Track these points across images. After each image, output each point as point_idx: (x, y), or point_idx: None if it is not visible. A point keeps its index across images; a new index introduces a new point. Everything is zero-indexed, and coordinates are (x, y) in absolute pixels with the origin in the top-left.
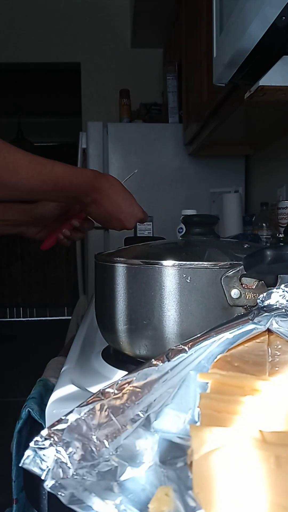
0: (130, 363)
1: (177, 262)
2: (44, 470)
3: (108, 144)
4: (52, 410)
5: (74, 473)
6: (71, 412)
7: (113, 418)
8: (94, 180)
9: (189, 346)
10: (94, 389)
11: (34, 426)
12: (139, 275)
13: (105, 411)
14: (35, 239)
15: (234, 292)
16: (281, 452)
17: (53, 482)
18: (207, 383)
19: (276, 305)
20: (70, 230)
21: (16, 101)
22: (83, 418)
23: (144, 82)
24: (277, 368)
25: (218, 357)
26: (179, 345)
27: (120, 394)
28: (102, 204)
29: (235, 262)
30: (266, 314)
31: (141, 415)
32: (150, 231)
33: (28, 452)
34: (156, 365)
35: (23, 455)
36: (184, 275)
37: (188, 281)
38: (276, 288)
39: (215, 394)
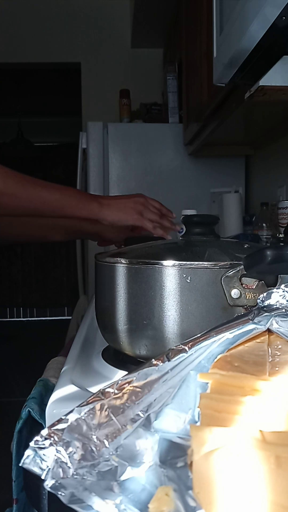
0: (130, 363)
1: (177, 262)
2: (44, 469)
3: (108, 144)
4: (52, 410)
5: (74, 472)
6: (71, 412)
7: (113, 418)
8: (82, 193)
9: (189, 346)
10: (94, 389)
11: (34, 426)
12: (139, 275)
13: (105, 411)
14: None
15: (234, 292)
16: (281, 452)
17: (53, 481)
18: (207, 383)
19: (276, 305)
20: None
21: (16, 101)
22: (83, 418)
23: (144, 82)
24: (277, 368)
25: (218, 357)
26: (179, 345)
27: (120, 394)
28: (109, 204)
29: (235, 262)
30: (266, 314)
31: (141, 415)
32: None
33: (28, 452)
34: (156, 365)
35: (23, 455)
36: (184, 275)
37: (188, 281)
38: (276, 288)
39: (215, 394)
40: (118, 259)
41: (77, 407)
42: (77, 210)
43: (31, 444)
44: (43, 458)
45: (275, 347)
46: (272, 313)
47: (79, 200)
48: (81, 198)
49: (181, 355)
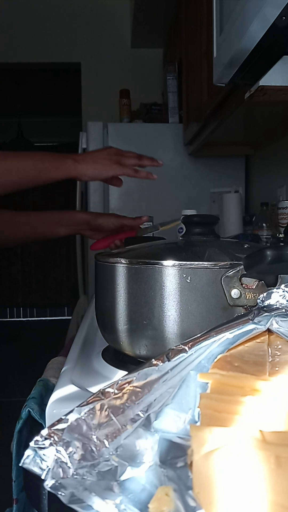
0: (130, 363)
1: (177, 262)
2: (44, 469)
3: (108, 144)
4: (52, 410)
5: (74, 472)
6: (71, 411)
7: (113, 418)
8: (54, 154)
9: (189, 346)
10: (94, 389)
11: (34, 426)
12: (139, 275)
13: (105, 411)
14: (91, 238)
15: (234, 292)
16: (281, 452)
17: (53, 481)
18: (207, 383)
19: (276, 305)
20: (120, 241)
21: (16, 101)
22: (83, 417)
23: (144, 82)
24: (277, 368)
25: (218, 357)
26: (179, 345)
27: (120, 394)
28: (84, 159)
29: (235, 262)
30: (266, 314)
31: (141, 415)
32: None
33: (28, 452)
34: (156, 365)
35: (23, 455)
36: (184, 275)
37: (188, 281)
38: (276, 288)
39: (215, 394)
40: (118, 259)
41: (77, 407)
42: (54, 172)
43: (31, 444)
44: (43, 458)
45: (275, 347)
46: (272, 313)
47: (53, 162)
48: (54, 159)
49: (181, 355)
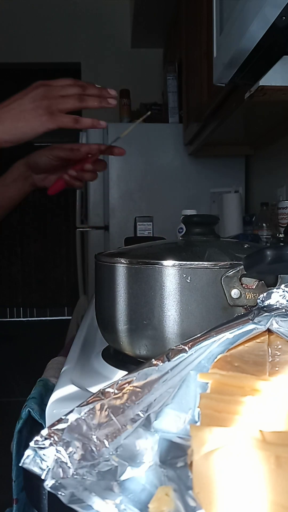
0: (130, 363)
1: (177, 262)
2: (44, 469)
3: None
4: (52, 410)
5: (74, 472)
6: (71, 411)
7: (113, 418)
8: None
9: (189, 346)
10: (94, 389)
11: (34, 426)
12: (139, 275)
13: (105, 411)
14: (45, 186)
15: (234, 292)
16: (281, 452)
17: (53, 481)
18: (207, 383)
19: (276, 305)
20: (78, 171)
21: None
22: (83, 417)
23: (144, 82)
24: (277, 368)
25: (218, 357)
26: (179, 345)
27: (120, 394)
28: (2, 117)
29: (235, 262)
30: (266, 314)
31: (141, 415)
32: (150, 231)
33: (28, 452)
34: (156, 365)
35: (23, 455)
36: (184, 275)
37: (188, 281)
38: (276, 288)
39: (215, 394)
40: (118, 259)
41: (77, 407)
42: None
43: (31, 444)
44: (43, 458)
45: (275, 347)
46: (272, 313)
47: None
48: None
49: (181, 355)
